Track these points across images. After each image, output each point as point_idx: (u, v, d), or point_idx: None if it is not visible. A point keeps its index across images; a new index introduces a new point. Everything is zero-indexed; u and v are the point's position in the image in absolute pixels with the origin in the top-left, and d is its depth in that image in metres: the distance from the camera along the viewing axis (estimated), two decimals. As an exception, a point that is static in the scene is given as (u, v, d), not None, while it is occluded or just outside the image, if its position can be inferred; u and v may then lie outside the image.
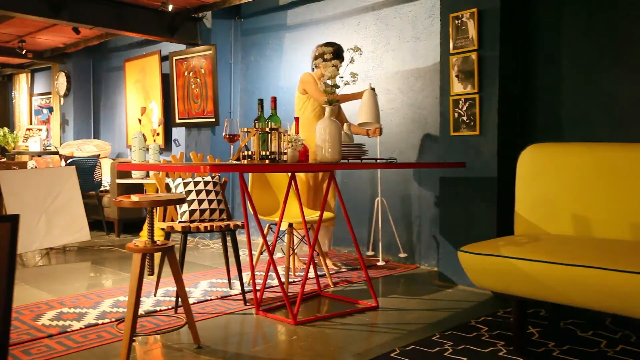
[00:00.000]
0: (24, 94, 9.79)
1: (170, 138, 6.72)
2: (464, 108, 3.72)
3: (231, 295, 3.52)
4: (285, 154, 3.04)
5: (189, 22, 5.83)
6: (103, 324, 2.93)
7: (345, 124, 4.02)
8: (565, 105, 3.56)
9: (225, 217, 3.48)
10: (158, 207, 3.34)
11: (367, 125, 4.14)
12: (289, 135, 3.08)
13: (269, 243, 4.01)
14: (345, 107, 4.49)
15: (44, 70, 9.29)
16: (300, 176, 4.20)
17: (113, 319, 2.99)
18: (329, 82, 3.08)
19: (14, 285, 1.34)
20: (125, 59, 7.31)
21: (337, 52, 3.88)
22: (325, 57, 3.35)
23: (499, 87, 3.57)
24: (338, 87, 3.14)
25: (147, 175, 5.59)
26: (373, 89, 4.02)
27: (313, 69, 4.21)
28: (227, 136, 2.93)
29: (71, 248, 5.21)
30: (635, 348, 2.57)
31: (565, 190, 2.95)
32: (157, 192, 5.27)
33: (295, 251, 4.18)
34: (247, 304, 3.33)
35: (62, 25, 6.00)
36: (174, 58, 6.09)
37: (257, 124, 2.95)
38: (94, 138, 8.19)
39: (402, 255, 4.42)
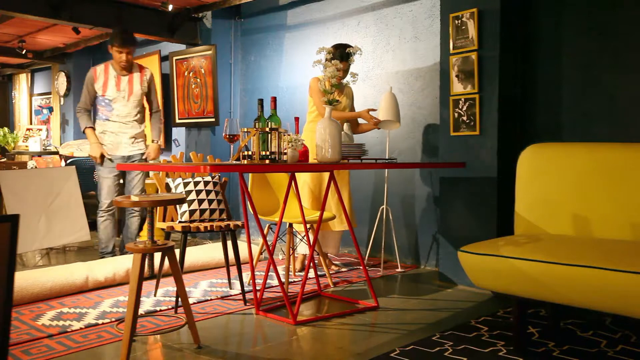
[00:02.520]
0: (24, 94, 9.79)
1: (170, 138, 6.72)
2: (464, 108, 3.73)
3: (231, 295, 3.52)
4: (285, 154, 3.04)
5: (189, 22, 5.83)
6: (103, 324, 2.93)
7: (345, 124, 4.02)
8: (565, 105, 3.56)
9: (225, 217, 3.48)
10: (158, 207, 3.34)
11: (387, 125, 4.06)
12: (289, 135, 3.08)
13: (269, 243, 4.00)
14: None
15: (44, 70, 9.29)
16: (303, 177, 4.16)
17: (113, 319, 2.99)
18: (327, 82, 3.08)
19: (14, 285, 1.34)
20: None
21: (340, 53, 3.79)
22: (326, 57, 3.32)
23: (499, 87, 3.58)
24: (338, 87, 3.14)
25: (147, 175, 5.58)
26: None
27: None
28: (227, 136, 2.93)
29: (71, 248, 5.21)
30: (635, 348, 2.57)
31: (565, 190, 2.95)
32: (157, 192, 5.27)
33: (296, 255, 4.16)
34: (247, 304, 3.33)
35: (62, 25, 6.00)
36: (174, 58, 6.09)
37: (257, 124, 2.95)
38: (94, 138, 8.17)
39: (403, 262, 4.42)
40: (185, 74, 6.01)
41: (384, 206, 4.18)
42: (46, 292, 3.42)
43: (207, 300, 3.40)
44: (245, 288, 3.52)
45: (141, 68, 4.41)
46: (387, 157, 4.28)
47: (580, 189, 2.90)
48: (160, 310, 3.18)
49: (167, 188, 3.54)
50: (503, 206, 3.57)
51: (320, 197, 4.09)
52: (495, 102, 3.59)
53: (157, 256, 4.02)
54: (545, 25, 3.65)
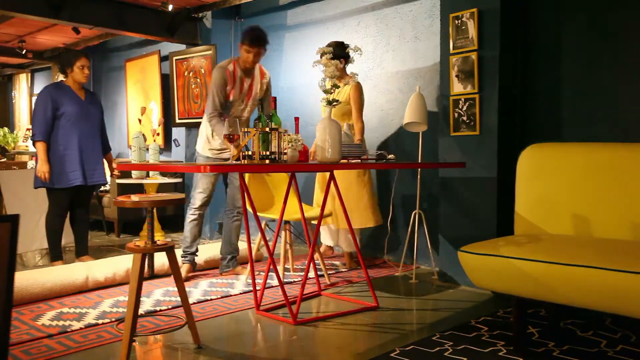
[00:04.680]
0: (24, 94, 9.80)
1: (170, 138, 6.72)
2: (464, 108, 3.73)
3: (231, 295, 3.52)
4: (285, 154, 3.04)
5: (189, 22, 5.83)
6: (103, 324, 2.93)
7: (345, 124, 4.02)
8: (565, 105, 3.56)
9: None
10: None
11: (414, 127, 4.05)
12: (289, 135, 3.08)
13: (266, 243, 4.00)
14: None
15: (44, 70, 9.29)
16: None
17: (113, 319, 2.99)
18: (329, 82, 3.07)
19: (14, 285, 1.34)
20: (125, 59, 7.30)
21: (336, 53, 3.79)
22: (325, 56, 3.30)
23: (499, 87, 3.58)
24: (338, 87, 3.13)
25: (147, 175, 5.59)
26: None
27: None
28: (227, 136, 2.93)
29: (71, 248, 5.21)
30: (635, 348, 2.57)
31: (565, 190, 2.95)
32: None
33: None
34: (247, 303, 3.33)
35: (62, 25, 6.00)
36: (174, 58, 6.09)
37: (257, 124, 2.95)
38: (94, 138, 8.17)
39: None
40: (185, 74, 6.01)
41: (417, 210, 4.10)
42: (46, 292, 3.42)
43: (207, 300, 3.40)
44: (245, 288, 3.52)
45: (262, 72, 4.08)
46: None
47: (580, 189, 2.91)
48: (160, 310, 3.18)
49: None
50: (503, 206, 3.57)
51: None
52: (495, 102, 3.58)
53: (158, 256, 4.02)
54: (545, 25, 3.65)
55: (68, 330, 2.82)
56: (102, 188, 6.40)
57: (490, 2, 3.59)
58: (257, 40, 3.76)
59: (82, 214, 4.37)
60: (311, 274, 3.86)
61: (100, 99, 4.65)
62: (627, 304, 2.17)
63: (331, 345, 2.69)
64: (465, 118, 3.72)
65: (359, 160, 3.33)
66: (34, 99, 9.53)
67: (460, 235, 3.72)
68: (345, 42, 4.25)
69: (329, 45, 4.08)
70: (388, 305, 3.33)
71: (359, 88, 4.19)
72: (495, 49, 3.58)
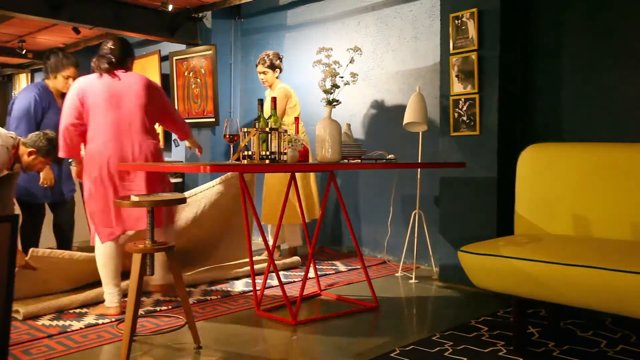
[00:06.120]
0: (24, 94, 9.78)
1: (170, 138, 6.71)
2: (464, 108, 3.73)
3: (231, 295, 3.52)
4: (285, 154, 3.03)
5: (189, 22, 5.83)
6: (103, 324, 2.93)
7: (345, 124, 4.02)
8: (565, 105, 3.57)
9: None
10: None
11: (414, 127, 4.06)
12: (289, 135, 3.08)
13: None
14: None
15: (44, 70, 9.28)
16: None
17: (113, 319, 2.99)
18: (329, 82, 3.08)
19: (14, 284, 1.35)
20: (125, 59, 7.29)
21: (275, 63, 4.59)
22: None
23: (499, 87, 3.58)
24: (338, 87, 3.13)
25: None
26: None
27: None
28: (227, 136, 2.93)
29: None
30: (635, 348, 2.57)
31: (565, 190, 2.95)
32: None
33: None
34: (247, 303, 3.33)
35: (62, 25, 5.99)
36: (174, 58, 6.09)
37: (257, 124, 2.95)
38: (94, 138, 8.16)
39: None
40: (185, 74, 6.01)
41: (417, 210, 4.12)
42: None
43: (207, 300, 3.40)
44: (245, 288, 3.52)
45: None
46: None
47: (580, 189, 2.91)
48: (160, 310, 3.18)
49: None
50: (503, 206, 3.57)
51: (278, 202, 4.28)
52: (495, 102, 3.59)
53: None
54: (545, 25, 3.65)
55: (68, 330, 2.82)
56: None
57: (490, 2, 3.59)
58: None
59: (65, 224, 4.14)
60: (311, 274, 3.86)
61: None
62: (627, 304, 2.17)
63: (331, 345, 2.69)
64: (465, 118, 3.72)
65: (359, 161, 3.33)
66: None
67: (460, 235, 3.72)
68: (281, 54, 4.64)
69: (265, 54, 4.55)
70: (388, 305, 3.33)
71: (281, 92, 4.48)
72: (495, 49, 3.58)
